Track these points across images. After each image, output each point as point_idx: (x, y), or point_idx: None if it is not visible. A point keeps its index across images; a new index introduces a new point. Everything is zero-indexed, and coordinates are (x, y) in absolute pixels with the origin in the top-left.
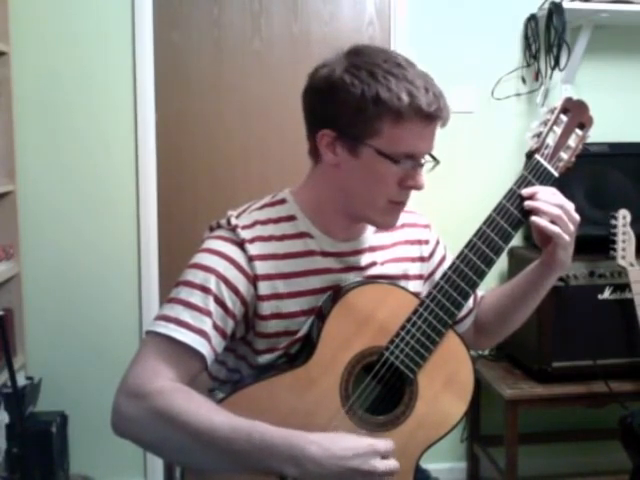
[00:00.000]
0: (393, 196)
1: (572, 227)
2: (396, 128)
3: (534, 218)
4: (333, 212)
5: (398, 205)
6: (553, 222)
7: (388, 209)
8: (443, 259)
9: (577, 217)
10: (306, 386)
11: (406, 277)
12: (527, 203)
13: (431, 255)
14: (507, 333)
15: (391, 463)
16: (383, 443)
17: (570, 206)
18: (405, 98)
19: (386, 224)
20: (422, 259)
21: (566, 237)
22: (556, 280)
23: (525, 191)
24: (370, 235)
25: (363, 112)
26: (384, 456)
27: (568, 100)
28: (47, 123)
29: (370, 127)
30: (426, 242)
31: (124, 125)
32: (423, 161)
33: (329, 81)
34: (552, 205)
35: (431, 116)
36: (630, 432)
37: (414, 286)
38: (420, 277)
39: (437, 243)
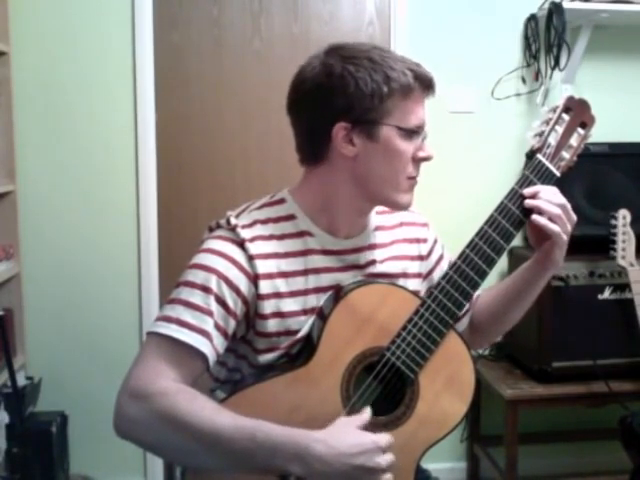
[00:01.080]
0: (410, 172)
1: (570, 227)
2: (406, 101)
3: (535, 216)
4: (339, 209)
5: (414, 180)
6: (552, 221)
7: (407, 187)
8: (441, 258)
9: (575, 217)
10: (307, 386)
11: (405, 275)
12: (528, 202)
13: (429, 254)
14: (502, 332)
15: (391, 458)
16: (385, 439)
17: (569, 206)
18: (409, 72)
19: (406, 203)
20: (421, 258)
21: (564, 237)
22: (556, 280)
23: (527, 190)
24: (370, 233)
25: (378, 95)
26: (384, 451)
27: (570, 99)
28: (47, 123)
29: (384, 107)
30: (424, 241)
31: (124, 125)
32: (425, 131)
33: (332, 75)
34: (553, 204)
35: (431, 84)
36: (630, 432)
37: (413, 285)
38: (419, 276)
39: (435, 242)
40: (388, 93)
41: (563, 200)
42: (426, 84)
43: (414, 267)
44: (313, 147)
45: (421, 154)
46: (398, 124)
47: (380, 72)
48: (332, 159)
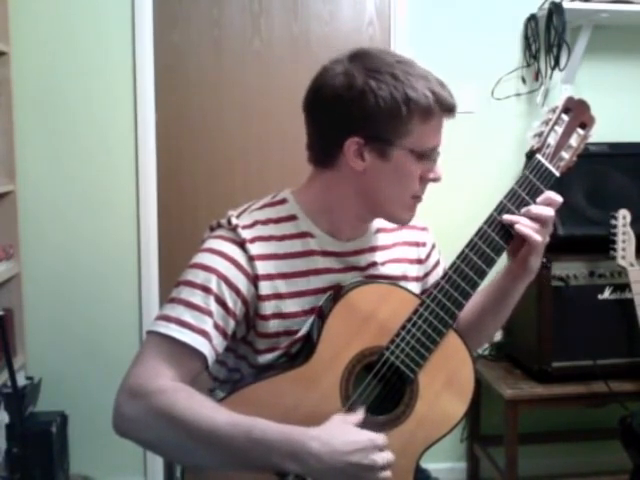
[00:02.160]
0: (416, 191)
1: (548, 237)
2: (424, 125)
3: (518, 226)
4: (341, 214)
5: (418, 199)
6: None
7: (411, 205)
8: (437, 264)
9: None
10: (306, 386)
11: (405, 278)
12: (505, 217)
13: (427, 258)
14: (480, 343)
15: (388, 455)
16: (381, 437)
17: (551, 217)
18: (430, 95)
19: (407, 219)
20: (419, 261)
21: (542, 245)
22: (556, 280)
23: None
24: (372, 235)
25: (395, 115)
26: (381, 449)
27: (570, 99)
28: (47, 123)
29: (402, 128)
30: (423, 244)
31: (124, 125)
32: (439, 151)
33: (353, 88)
34: (531, 219)
35: (452, 108)
36: (630, 432)
37: (412, 288)
38: (417, 279)
39: (433, 247)
40: (407, 115)
41: (549, 213)
42: (447, 108)
43: (413, 270)
44: (323, 152)
45: (430, 175)
46: (412, 147)
47: (401, 91)
48: (340, 168)
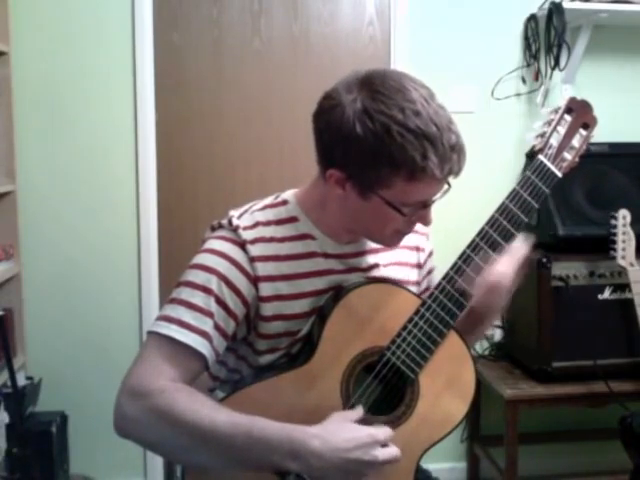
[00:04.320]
0: (401, 228)
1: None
2: (408, 185)
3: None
4: (336, 223)
5: (404, 234)
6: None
7: (394, 236)
8: (430, 271)
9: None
10: (307, 386)
11: (407, 282)
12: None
13: (424, 264)
14: None
15: (392, 450)
16: (382, 431)
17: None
18: (419, 161)
19: (390, 246)
20: (419, 266)
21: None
22: (556, 280)
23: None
24: None
25: (376, 168)
26: (384, 445)
27: (572, 100)
28: (47, 123)
29: (381, 181)
30: (423, 250)
31: (124, 125)
32: (433, 199)
33: (341, 129)
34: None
35: (447, 176)
36: (630, 432)
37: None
38: (417, 283)
39: (430, 254)
40: (388, 173)
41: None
42: (439, 176)
43: (414, 274)
44: (319, 163)
45: (417, 221)
46: (391, 200)
47: (387, 149)
48: (329, 186)
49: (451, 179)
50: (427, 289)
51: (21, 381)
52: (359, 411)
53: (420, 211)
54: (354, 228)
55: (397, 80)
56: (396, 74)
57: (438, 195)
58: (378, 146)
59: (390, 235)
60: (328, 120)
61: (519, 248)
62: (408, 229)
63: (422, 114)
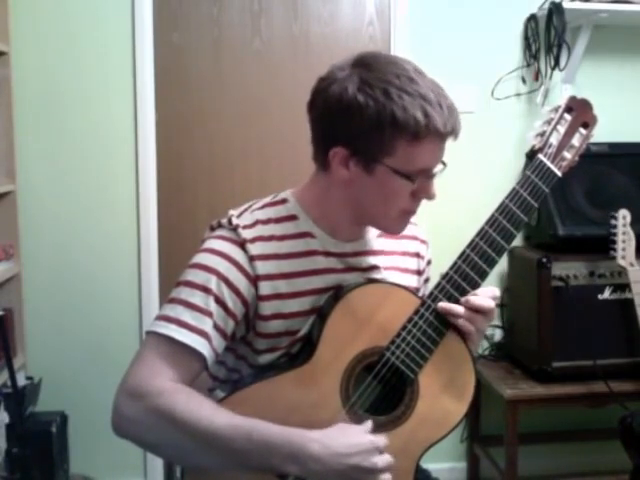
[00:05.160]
0: (406, 207)
1: (487, 326)
2: (412, 147)
3: (452, 318)
4: (338, 216)
5: (410, 214)
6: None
7: (400, 218)
8: (427, 280)
9: (493, 318)
10: (306, 386)
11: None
12: (441, 305)
13: (422, 272)
14: None
15: (388, 458)
16: (382, 439)
17: (491, 309)
18: (421, 118)
19: (396, 231)
20: (418, 272)
21: (478, 334)
22: (556, 280)
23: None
24: (373, 238)
25: (379, 133)
26: (382, 452)
27: (572, 99)
28: (47, 123)
29: (386, 147)
30: (422, 257)
31: (124, 125)
32: (435, 171)
33: (342, 101)
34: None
35: (448, 134)
36: (630, 432)
37: None
38: (417, 290)
39: (428, 263)
40: (391, 135)
41: (489, 304)
42: (441, 134)
43: (414, 281)
44: (317, 153)
45: (422, 195)
46: (397, 167)
47: (389, 110)
48: (331, 172)
49: (450, 142)
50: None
51: (21, 381)
52: (368, 424)
53: (424, 183)
54: (360, 215)
55: (387, 56)
56: (385, 53)
57: (437, 168)
58: (380, 110)
59: (396, 217)
60: (326, 98)
61: (496, 293)
62: (413, 207)
63: (416, 80)
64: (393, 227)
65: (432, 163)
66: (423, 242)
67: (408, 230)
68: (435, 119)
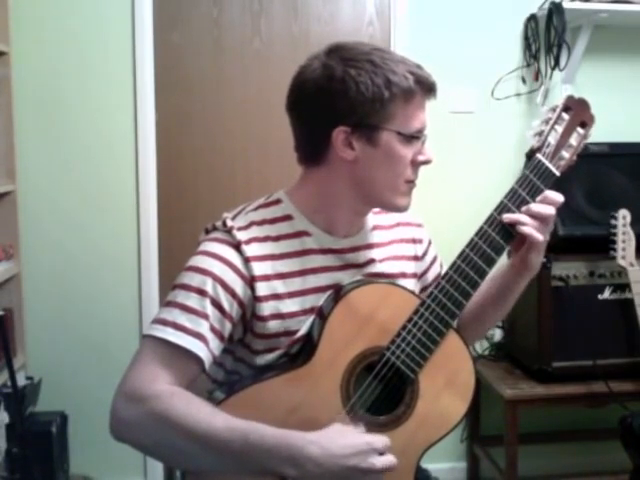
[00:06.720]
0: (409, 175)
1: (548, 235)
2: (407, 106)
3: (519, 225)
4: (337, 209)
5: (412, 184)
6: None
7: (406, 190)
8: (434, 260)
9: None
10: (306, 386)
11: (403, 275)
12: (506, 216)
13: (424, 255)
14: (481, 336)
15: (389, 459)
16: (380, 440)
17: (551, 216)
18: (410, 76)
19: (404, 206)
20: (416, 258)
21: (543, 243)
22: (556, 280)
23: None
24: (368, 232)
25: (378, 99)
26: (381, 453)
27: (570, 98)
28: (47, 123)
29: (386, 112)
30: (420, 241)
31: (124, 125)
32: (425, 133)
33: (334, 79)
34: (533, 216)
35: (433, 87)
36: (630, 432)
37: (409, 285)
38: (415, 276)
39: (429, 243)
40: (389, 97)
41: (550, 212)
42: (427, 87)
43: (410, 267)
44: (312, 149)
45: (421, 158)
46: (399, 129)
47: (381, 76)
48: (331, 162)
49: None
50: (438, 276)
51: (21, 381)
52: (360, 426)
53: (420, 147)
54: (367, 196)
55: (353, 41)
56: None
57: (426, 131)
58: (373, 77)
59: (404, 190)
60: (316, 81)
61: (555, 197)
62: (414, 176)
63: (387, 50)
64: (402, 201)
65: (424, 122)
66: (418, 225)
67: (400, 217)
68: (421, 75)
